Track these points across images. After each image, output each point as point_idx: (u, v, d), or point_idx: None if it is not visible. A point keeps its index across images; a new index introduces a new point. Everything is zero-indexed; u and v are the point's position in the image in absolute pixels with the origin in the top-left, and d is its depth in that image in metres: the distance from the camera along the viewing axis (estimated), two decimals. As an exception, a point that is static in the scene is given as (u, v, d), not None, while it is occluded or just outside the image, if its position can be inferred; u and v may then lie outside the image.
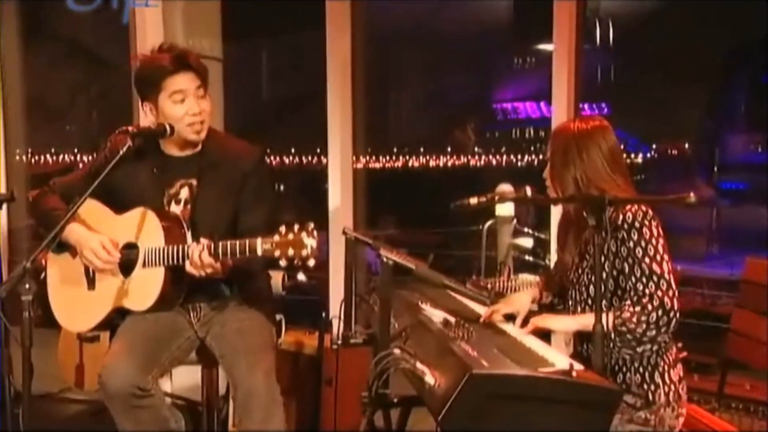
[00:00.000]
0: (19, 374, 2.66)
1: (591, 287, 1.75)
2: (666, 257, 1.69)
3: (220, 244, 1.91)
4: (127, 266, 2.10)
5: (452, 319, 1.77)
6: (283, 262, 1.79)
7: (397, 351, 1.56)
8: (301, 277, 2.91)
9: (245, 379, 2.00)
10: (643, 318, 1.64)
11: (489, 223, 4.26)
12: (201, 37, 3.55)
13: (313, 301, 3.19)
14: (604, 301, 1.54)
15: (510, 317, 1.87)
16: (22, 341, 1.78)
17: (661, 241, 1.70)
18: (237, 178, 2.12)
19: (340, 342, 2.10)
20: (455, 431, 1.38)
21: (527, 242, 4.45)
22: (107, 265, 2.07)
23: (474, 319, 1.85)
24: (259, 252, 1.83)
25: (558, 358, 1.52)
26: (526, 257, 4.61)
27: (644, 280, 1.67)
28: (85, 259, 2.08)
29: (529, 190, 1.86)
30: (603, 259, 1.66)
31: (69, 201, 2.13)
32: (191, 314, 2.20)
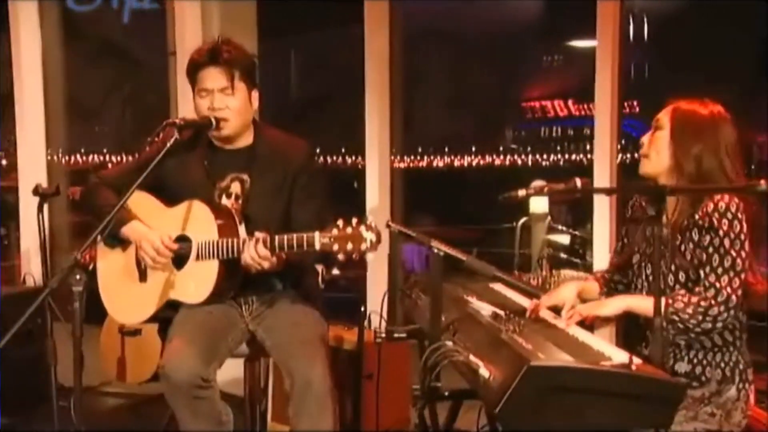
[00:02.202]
0: (63, 368, 2.71)
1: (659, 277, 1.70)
2: (747, 254, 1.64)
3: (277, 237, 1.92)
4: (178, 259, 2.11)
5: (501, 312, 1.74)
6: (341, 256, 1.80)
7: (449, 343, 1.54)
8: (335, 271, 2.91)
9: (303, 371, 2.00)
10: (701, 309, 1.60)
11: (523, 220, 4.23)
12: (237, 35, 3.58)
13: (347, 296, 3.19)
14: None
15: (555, 310, 1.84)
16: (73, 332, 1.80)
17: (747, 237, 1.64)
18: (289, 174, 2.13)
19: (384, 336, 2.09)
20: (512, 424, 1.36)
21: (563, 239, 4.40)
22: (162, 259, 2.09)
23: (520, 312, 1.82)
24: (317, 246, 1.83)
25: (614, 351, 1.49)
26: (561, 254, 4.57)
27: (719, 271, 1.62)
28: (143, 251, 2.10)
29: (578, 182, 1.83)
30: (683, 248, 1.61)
31: (118, 192, 2.15)
32: (243, 307, 2.21)
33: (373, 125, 3.38)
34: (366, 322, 2.72)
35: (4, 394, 2.86)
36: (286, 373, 2.06)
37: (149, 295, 2.16)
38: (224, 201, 2.17)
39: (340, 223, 1.80)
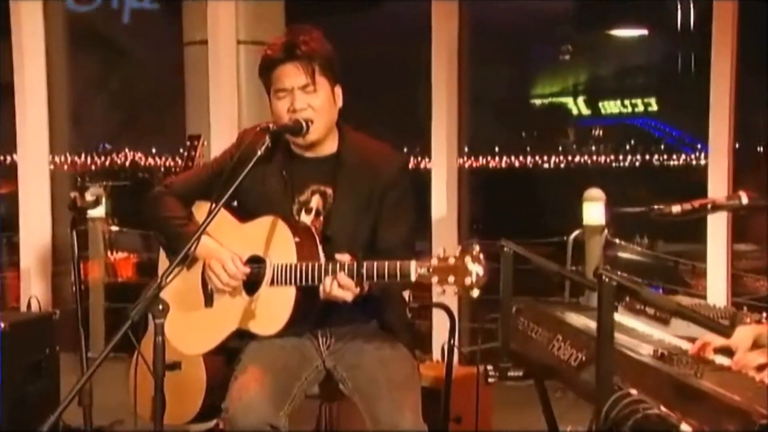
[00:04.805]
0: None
1: None
2: None
3: (365, 264, 1.76)
4: (250, 283, 1.94)
5: (665, 351, 1.59)
6: (440, 290, 1.67)
7: (633, 392, 1.38)
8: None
9: (390, 419, 1.85)
10: None
11: (575, 233, 4.06)
12: (265, 32, 3.54)
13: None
14: None
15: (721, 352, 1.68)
16: (155, 369, 1.64)
17: None
18: (377, 189, 1.97)
19: (497, 374, 1.93)
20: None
21: (633, 257, 4.26)
22: (233, 282, 1.93)
23: (678, 350, 1.67)
24: (413, 277, 1.70)
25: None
26: (621, 273, 4.43)
27: None
28: (211, 272, 1.94)
29: (744, 197, 1.68)
30: None
31: (188, 203, 2.02)
32: (320, 340, 2.03)
33: (441, 128, 3.26)
34: (439, 355, 2.58)
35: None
36: (369, 418, 1.90)
37: (216, 323, 2.00)
38: (303, 217, 2.01)
39: (440, 251, 1.67)
